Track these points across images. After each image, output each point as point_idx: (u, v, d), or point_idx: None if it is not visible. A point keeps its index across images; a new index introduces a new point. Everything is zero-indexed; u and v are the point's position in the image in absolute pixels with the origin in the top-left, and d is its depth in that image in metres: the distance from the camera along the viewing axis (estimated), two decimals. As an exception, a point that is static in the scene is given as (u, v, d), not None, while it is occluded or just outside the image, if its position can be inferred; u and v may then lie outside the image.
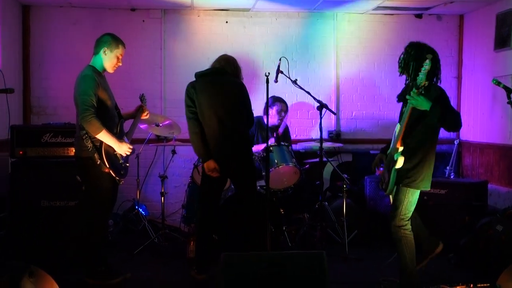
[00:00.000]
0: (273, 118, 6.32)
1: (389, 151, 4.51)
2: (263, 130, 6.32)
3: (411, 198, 4.39)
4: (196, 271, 4.85)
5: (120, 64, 4.77)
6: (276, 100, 6.38)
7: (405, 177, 4.33)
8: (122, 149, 4.59)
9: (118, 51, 4.68)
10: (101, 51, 4.62)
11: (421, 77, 4.10)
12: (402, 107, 4.51)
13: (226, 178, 5.04)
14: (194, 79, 7.02)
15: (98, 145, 4.47)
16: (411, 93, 4.10)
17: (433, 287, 4.17)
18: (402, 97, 4.48)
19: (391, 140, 4.53)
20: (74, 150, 4.72)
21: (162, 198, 6.11)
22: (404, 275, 4.49)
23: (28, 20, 6.88)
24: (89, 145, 4.46)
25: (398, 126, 4.41)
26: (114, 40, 4.67)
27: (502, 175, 6.47)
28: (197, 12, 7.14)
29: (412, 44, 4.45)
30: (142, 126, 5.99)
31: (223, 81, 4.94)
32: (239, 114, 4.92)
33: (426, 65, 4.07)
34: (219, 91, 4.86)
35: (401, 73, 4.43)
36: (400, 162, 4.28)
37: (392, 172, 4.35)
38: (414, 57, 4.32)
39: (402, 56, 4.42)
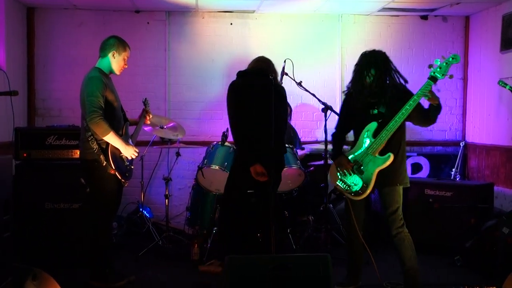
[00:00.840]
0: None
1: (353, 155, 4.48)
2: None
3: (402, 196, 4.44)
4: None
5: (126, 66, 4.77)
6: None
7: (395, 176, 4.38)
8: (129, 151, 4.59)
9: (126, 54, 4.70)
10: (110, 54, 4.61)
11: (445, 70, 4.14)
12: (361, 111, 4.45)
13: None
14: (198, 80, 7.10)
15: (104, 147, 4.47)
16: (427, 86, 4.10)
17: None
18: (364, 100, 4.43)
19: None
20: (79, 152, 4.72)
21: (166, 200, 6.10)
22: (410, 277, 4.48)
23: (33, 22, 6.88)
24: (95, 147, 4.45)
25: (372, 125, 4.35)
26: (121, 43, 4.67)
27: (508, 177, 6.43)
28: (202, 14, 7.13)
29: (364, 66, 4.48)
30: (146, 129, 5.99)
31: (267, 83, 4.78)
32: (282, 120, 4.89)
33: (454, 59, 4.13)
34: (266, 93, 4.70)
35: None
36: (391, 161, 4.27)
37: (373, 172, 4.31)
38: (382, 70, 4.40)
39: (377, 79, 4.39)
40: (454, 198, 5.76)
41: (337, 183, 4.56)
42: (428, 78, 4.15)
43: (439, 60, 4.17)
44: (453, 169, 6.93)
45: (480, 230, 5.33)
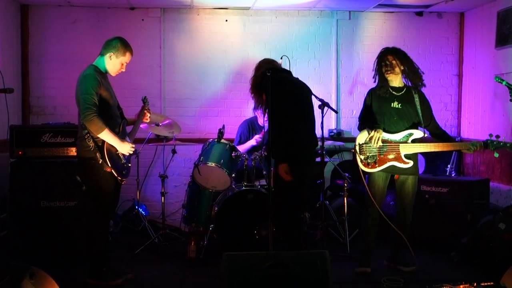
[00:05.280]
0: (261, 118, 6.27)
1: (387, 137, 4.94)
2: (257, 131, 6.32)
3: None
4: None
5: (123, 70, 4.74)
6: None
7: (417, 168, 5.04)
8: (125, 148, 4.57)
9: (124, 59, 4.67)
10: (107, 55, 4.59)
11: (497, 146, 4.84)
12: (385, 102, 5.01)
13: None
14: (193, 77, 7.08)
15: (100, 144, 4.45)
16: (478, 146, 4.84)
17: (436, 286, 4.14)
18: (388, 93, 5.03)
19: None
20: (76, 151, 4.70)
21: (162, 198, 6.08)
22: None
23: (27, 19, 6.84)
24: (91, 145, 4.43)
25: (418, 133, 4.98)
26: (123, 46, 4.64)
27: (503, 173, 6.45)
28: (197, 11, 7.11)
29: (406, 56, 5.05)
30: (142, 126, 5.92)
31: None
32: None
33: (510, 147, 4.81)
34: (310, 91, 4.98)
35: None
36: (408, 166, 4.94)
37: (388, 162, 4.91)
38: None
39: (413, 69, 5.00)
40: (450, 194, 5.78)
41: (360, 143, 4.99)
42: (483, 141, 4.84)
43: (500, 136, 4.83)
44: (449, 165, 6.91)
45: (476, 226, 5.34)
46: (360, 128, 5.11)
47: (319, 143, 5.52)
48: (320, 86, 7.21)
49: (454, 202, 5.72)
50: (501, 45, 6.40)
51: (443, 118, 7.41)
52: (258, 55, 7.05)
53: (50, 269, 3.58)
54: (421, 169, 7.12)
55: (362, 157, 4.96)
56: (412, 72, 4.96)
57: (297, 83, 4.86)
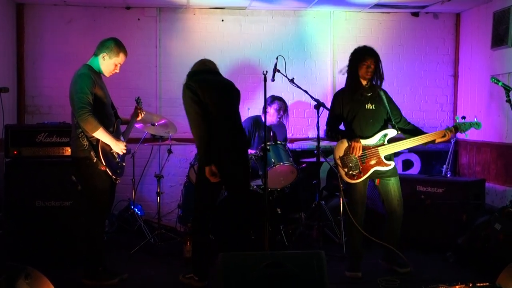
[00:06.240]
0: (271, 117, 6.30)
1: (364, 144, 4.84)
2: (261, 129, 6.30)
3: None
4: (197, 279, 4.70)
5: (117, 71, 4.73)
6: (275, 98, 6.37)
7: (395, 169, 4.96)
8: (119, 147, 4.57)
9: (118, 60, 4.65)
10: (101, 55, 4.59)
11: (467, 128, 5.03)
12: (358, 104, 4.92)
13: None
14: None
15: (95, 143, 4.44)
16: (450, 131, 4.94)
17: (432, 286, 4.14)
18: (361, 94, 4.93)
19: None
20: (70, 150, 4.68)
21: (158, 197, 6.06)
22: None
23: (22, 18, 6.81)
24: (85, 144, 4.42)
25: (392, 132, 4.92)
26: (117, 47, 4.63)
27: (499, 173, 6.46)
28: (193, 11, 7.10)
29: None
30: (137, 126, 5.94)
31: (225, 81, 4.86)
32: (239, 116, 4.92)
33: (477, 125, 5.04)
34: (227, 90, 4.78)
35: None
36: (391, 167, 4.92)
37: (372, 167, 4.85)
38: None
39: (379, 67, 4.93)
40: (446, 194, 5.78)
41: (340, 155, 4.89)
42: (453, 126, 4.96)
43: (465, 117, 4.99)
44: (444, 166, 6.94)
45: (472, 227, 5.35)
46: (330, 135, 5.01)
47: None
48: (316, 86, 7.21)
49: (449, 203, 5.72)
50: (497, 46, 6.41)
51: (439, 119, 7.43)
52: (254, 55, 7.10)
53: (46, 269, 3.56)
54: (416, 170, 7.17)
55: (346, 169, 4.87)
56: (380, 73, 4.94)
57: (217, 84, 4.75)
